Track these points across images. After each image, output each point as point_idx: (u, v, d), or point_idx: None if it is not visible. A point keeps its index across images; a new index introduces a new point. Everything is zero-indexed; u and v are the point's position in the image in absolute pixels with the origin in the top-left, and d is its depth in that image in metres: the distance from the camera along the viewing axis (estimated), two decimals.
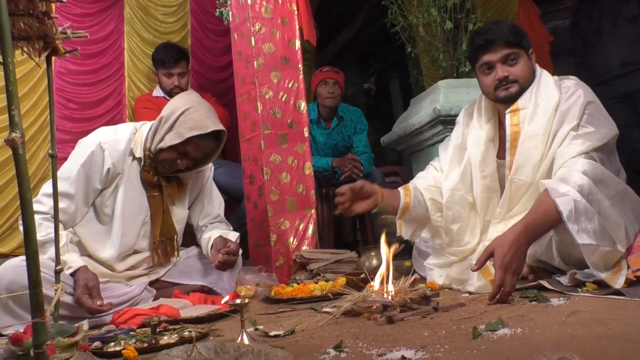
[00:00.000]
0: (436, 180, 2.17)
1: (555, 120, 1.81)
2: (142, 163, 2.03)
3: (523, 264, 1.57)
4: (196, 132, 1.93)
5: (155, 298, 2.03)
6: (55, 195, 1.32)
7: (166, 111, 2.01)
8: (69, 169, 1.93)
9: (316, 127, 3.60)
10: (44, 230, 1.79)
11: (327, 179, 3.55)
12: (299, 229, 2.62)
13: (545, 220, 1.60)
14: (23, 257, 1.58)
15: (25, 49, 1.27)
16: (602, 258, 1.55)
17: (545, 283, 1.60)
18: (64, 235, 1.83)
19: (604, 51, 3.46)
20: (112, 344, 1.34)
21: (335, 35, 6.73)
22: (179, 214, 2.17)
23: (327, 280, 2.15)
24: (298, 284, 2.16)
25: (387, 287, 1.46)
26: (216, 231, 2.17)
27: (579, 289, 1.52)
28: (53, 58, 1.36)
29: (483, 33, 1.98)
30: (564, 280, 1.59)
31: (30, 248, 0.81)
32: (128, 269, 2.05)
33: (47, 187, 1.92)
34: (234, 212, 3.18)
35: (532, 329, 1.15)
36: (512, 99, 1.94)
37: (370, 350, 1.12)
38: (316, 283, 2.08)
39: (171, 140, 1.94)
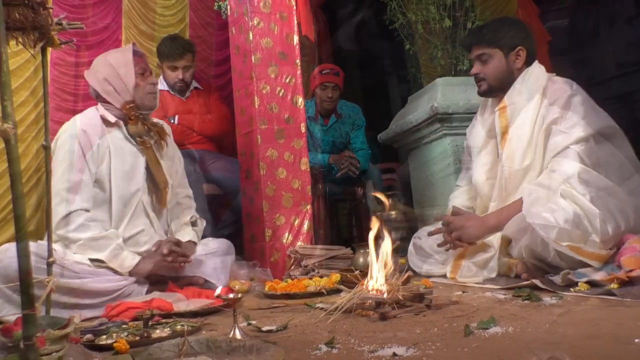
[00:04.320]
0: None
1: (540, 112, 1.93)
2: (123, 123, 2.16)
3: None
4: (129, 53, 2.16)
5: (149, 292, 2.03)
6: (48, 186, 1.32)
7: (99, 75, 2.15)
8: (70, 161, 2.00)
9: (314, 124, 3.59)
10: (93, 230, 1.97)
11: (323, 176, 3.54)
12: (294, 224, 2.62)
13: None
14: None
15: (20, 39, 1.27)
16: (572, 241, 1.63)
17: (538, 282, 1.61)
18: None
19: (601, 52, 3.46)
20: (104, 336, 1.33)
21: (334, 31, 6.71)
22: (165, 166, 2.25)
23: (321, 277, 2.15)
24: (292, 279, 2.16)
25: (379, 282, 1.46)
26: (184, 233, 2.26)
27: (571, 289, 1.53)
28: (49, 49, 1.35)
29: (468, 35, 2.26)
30: (557, 279, 1.60)
31: (20, 240, 0.81)
32: (130, 237, 2.09)
33: (59, 184, 1.98)
34: (230, 207, 3.18)
35: (524, 327, 1.16)
36: (484, 94, 2.17)
37: (362, 346, 1.12)
38: (310, 279, 2.08)
39: (129, 74, 2.13)
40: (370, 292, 1.44)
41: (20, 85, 3.27)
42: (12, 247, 1.76)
